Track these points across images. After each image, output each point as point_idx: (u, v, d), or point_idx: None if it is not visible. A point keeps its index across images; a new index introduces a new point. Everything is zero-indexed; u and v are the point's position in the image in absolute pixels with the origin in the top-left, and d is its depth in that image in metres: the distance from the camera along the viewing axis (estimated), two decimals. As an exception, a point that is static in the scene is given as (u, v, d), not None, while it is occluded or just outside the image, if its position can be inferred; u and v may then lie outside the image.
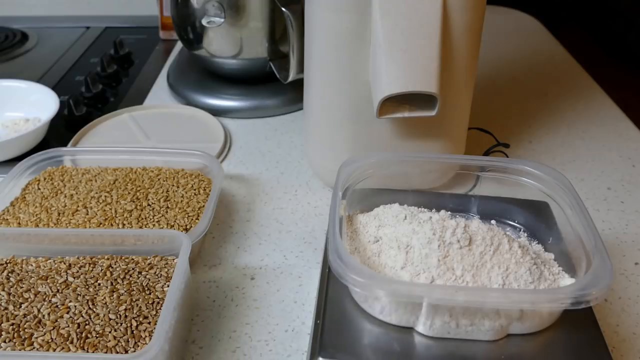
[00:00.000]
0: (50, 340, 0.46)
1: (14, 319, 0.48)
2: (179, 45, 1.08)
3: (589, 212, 0.50)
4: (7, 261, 0.53)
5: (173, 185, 0.65)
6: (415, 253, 0.49)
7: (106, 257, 0.54)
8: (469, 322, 0.44)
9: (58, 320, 0.47)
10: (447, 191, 0.62)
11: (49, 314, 0.48)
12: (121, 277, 0.52)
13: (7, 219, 0.60)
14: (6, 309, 0.49)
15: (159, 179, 0.65)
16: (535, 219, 0.55)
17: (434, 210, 0.56)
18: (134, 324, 0.47)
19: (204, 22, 0.80)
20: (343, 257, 0.44)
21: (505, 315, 0.44)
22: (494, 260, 0.49)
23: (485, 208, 0.57)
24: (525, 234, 0.54)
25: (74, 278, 0.52)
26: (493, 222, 0.55)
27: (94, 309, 0.48)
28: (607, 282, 0.42)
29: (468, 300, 0.43)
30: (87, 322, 0.47)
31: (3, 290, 0.50)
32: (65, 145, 0.77)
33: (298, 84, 0.76)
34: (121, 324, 0.47)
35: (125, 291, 0.50)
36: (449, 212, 0.55)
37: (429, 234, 0.51)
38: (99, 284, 0.51)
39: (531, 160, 0.57)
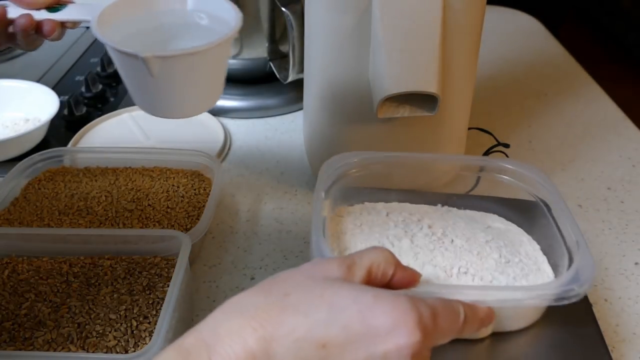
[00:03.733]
0: (50, 340, 0.46)
1: (14, 318, 0.48)
2: (179, 45, 1.08)
3: (570, 211, 0.50)
4: (8, 261, 0.53)
5: (173, 185, 0.65)
6: (395, 249, 0.49)
7: (106, 257, 0.54)
8: None
9: (59, 320, 0.48)
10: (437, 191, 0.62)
11: (49, 313, 0.48)
12: (121, 277, 0.52)
13: (7, 219, 0.60)
14: (7, 308, 0.49)
15: (159, 179, 0.66)
16: (519, 216, 0.55)
17: (416, 205, 0.56)
18: (134, 323, 0.47)
19: (204, 22, 0.80)
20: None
21: None
22: (465, 250, 0.49)
23: (473, 204, 0.57)
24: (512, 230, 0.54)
25: (75, 278, 0.52)
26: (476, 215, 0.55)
27: (95, 309, 0.48)
28: (590, 277, 0.42)
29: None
30: (87, 322, 0.47)
31: (4, 290, 0.51)
32: (65, 145, 0.77)
33: (298, 84, 0.76)
34: (121, 323, 0.47)
35: (125, 291, 0.50)
36: (436, 206, 0.56)
37: (408, 230, 0.51)
38: (100, 284, 0.51)
39: (513, 160, 0.57)
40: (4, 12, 0.46)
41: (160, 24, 0.49)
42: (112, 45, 0.43)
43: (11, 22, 0.46)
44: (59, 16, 0.47)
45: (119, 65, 0.45)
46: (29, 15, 0.46)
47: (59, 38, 0.48)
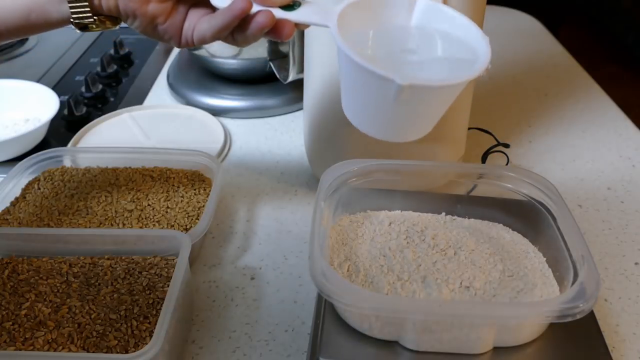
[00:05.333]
0: (51, 340, 0.46)
1: (14, 318, 0.48)
2: (179, 45, 1.08)
3: (577, 224, 0.49)
4: (8, 261, 0.53)
5: (173, 185, 0.65)
6: (397, 260, 0.49)
7: (106, 257, 0.54)
8: (452, 335, 0.43)
9: (59, 320, 0.48)
10: (440, 192, 0.61)
11: (50, 314, 0.48)
12: (121, 277, 0.52)
13: (7, 219, 0.60)
14: (7, 308, 0.49)
15: (159, 179, 0.65)
16: (525, 226, 0.54)
17: (419, 214, 0.55)
18: (134, 323, 0.47)
19: (204, 22, 0.80)
20: (326, 273, 0.43)
21: (489, 327, 0.43)
22: (468, 262, 0.49)
23: (477, 213, 0.56)
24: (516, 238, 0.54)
25: (75, 278, 0.52)
26: (484, 223, 0.54)
27: (95, 309, 0.48)
28: (595, 293, 0.42)
29: (451, 315, 0.42)
30: (87, 322, 0.47)
31: (4, 290, 0.51)
32: (65, 145, 0.77)
33: (298, 84, 0.76)
34: (121, 323, 0.47)
35: (125, 291, 0.50)
36: (439, 215, 0.55)
37: (410, 241, 0.51)
38: (100, 284, 0.51)
39: (520, 167, 0.57)
40: (250, 7, 0.42)
41: (390, 36, 0.44)
42: (365, 65, 0.38)
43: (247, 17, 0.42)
44: (296, 17, 0.43)
45: (353, 78, 0.41)
46: (269, 12, 0.42)
47: (288, 39, 0.44)
